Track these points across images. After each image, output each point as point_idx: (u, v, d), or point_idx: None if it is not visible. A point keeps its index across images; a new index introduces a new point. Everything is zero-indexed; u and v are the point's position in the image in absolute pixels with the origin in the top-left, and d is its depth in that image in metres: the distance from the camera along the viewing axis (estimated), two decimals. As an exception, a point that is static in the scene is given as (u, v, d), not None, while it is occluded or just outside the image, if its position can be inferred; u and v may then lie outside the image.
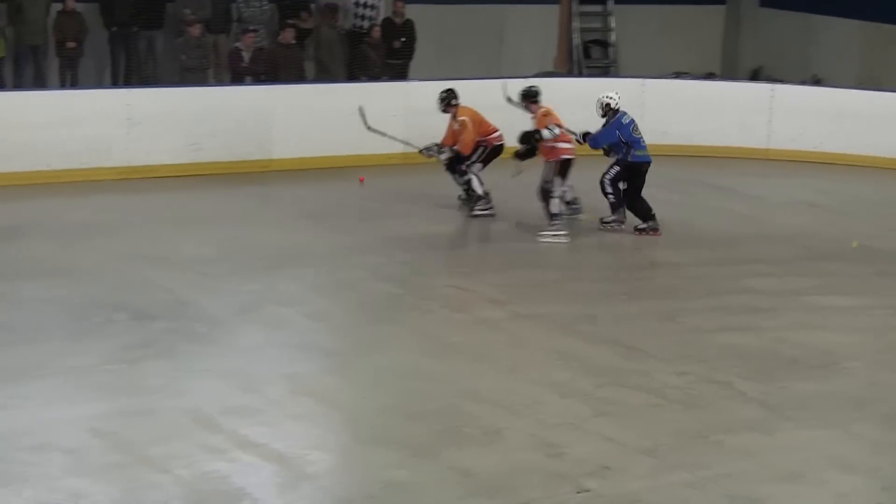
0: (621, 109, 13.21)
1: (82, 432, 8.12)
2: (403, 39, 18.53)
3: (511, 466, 7.69)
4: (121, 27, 17.56)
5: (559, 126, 13.16)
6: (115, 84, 17.40)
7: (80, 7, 16.63)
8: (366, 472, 7.71)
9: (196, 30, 17.09)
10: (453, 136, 13.97)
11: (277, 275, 11.89)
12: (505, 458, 7.82)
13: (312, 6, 17.96)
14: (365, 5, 18.26)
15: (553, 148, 13.20)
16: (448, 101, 13.77)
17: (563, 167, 13.26)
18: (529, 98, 13.46)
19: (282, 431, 8.31)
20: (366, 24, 18.81)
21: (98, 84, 17.32)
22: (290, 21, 18.07)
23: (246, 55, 17.10)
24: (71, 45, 17.05)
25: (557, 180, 13.15)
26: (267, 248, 12.72)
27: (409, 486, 7.37)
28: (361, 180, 15.22)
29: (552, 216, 13.23)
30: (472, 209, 13.61)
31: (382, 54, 18.43)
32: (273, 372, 9.41)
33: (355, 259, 12.52)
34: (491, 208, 13.53)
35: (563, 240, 13.17)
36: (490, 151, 14.01)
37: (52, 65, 17.48)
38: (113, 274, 11.69)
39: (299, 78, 17.47)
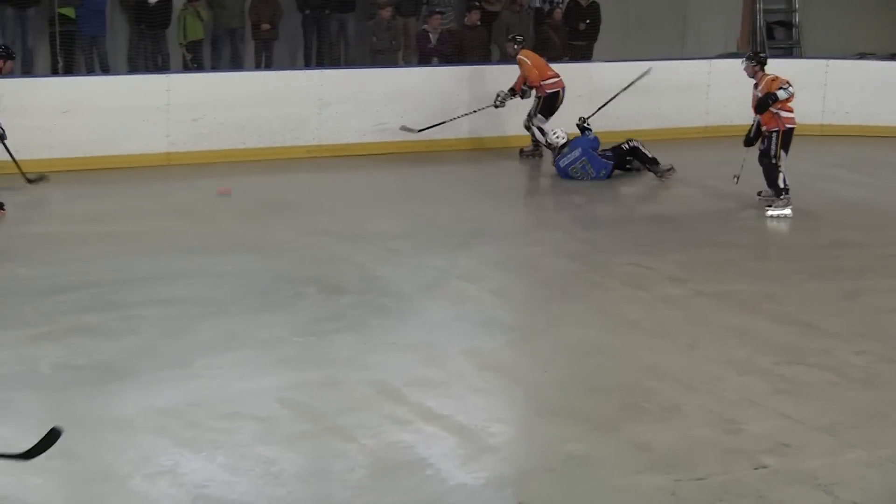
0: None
1: (272, 402, 8.38)
2: (588, 21, 18.61)
3: (689, 442, 7.67)
4: (314, 10, 18.07)
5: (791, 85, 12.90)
6: (307, 65, 17.82)
7: (274, -10, 17.42)
8: (546, 445, 7.76)
9: (387, 12, 17.59)
10: (521, 80, 15.01)
11: (461, 251, 12.06)
12: (683, 433, 7.80)
13: (498, -12, 18.43)
14: None
15: (777, 116, 12.75)
16: (513, 42, 14.96)
17: (786, 138, 12.79)
18: (760, 63, 13.04)
19: (464, 404, 8.41)
20: (546, 6, 19.12)
21: (292, 66, 17.81)
22: (476, 3, 18.39)
23: (433, 37, 17.47)
24: (266, 27, 17.61)
25: (782, 154, 12.75)
26: (451, 224, 12.96)
27: (589, 459, 7.40)
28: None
29: (780, 191, 12.86)
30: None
31: (564, 36, 18.57)
32: (456, 346, 9.54)
33: (536, 236, 12.71)
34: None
35: (789, 214, 12.86)
36: (545, 100, 14.55)
37: (248, 47, 18.05)
38: (303, 249, 12.03)
39: (484, 59, 17.78)
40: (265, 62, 17.42)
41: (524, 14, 18.79)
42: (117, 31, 17.52)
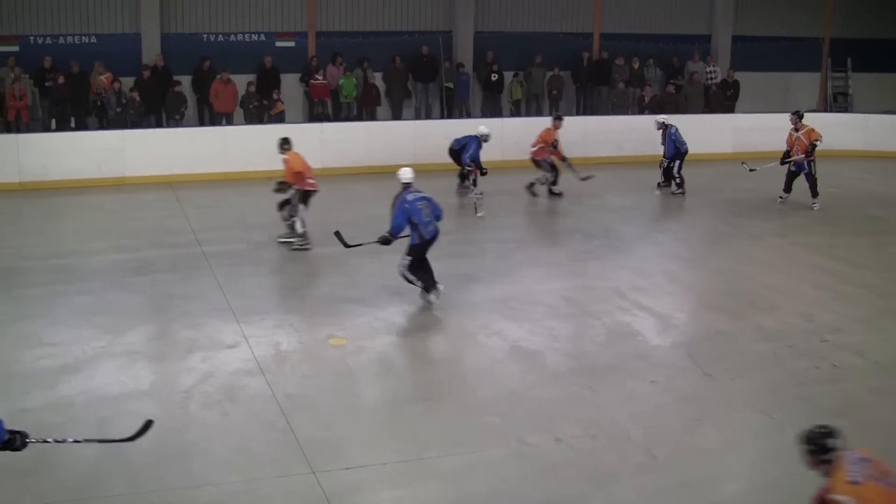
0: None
1: (556, 297, 11.29)
2: (731, 91, 23.60)
3: (785, 326, 10.50)
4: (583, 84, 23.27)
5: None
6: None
7: None
8: (704, 325, 10.60)
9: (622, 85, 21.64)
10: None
11: (660, 221, 15.61)
12: (781, 321, 10.67)
13: None
14: None
15: (812, 151, 16.22)
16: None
17: (814, 164, 16.26)
18: (800, 117, 16.44)
19: (660, 301, 11.29)
20: (708, 82, 23.61)
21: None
22: (671, 82, 23.02)
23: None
24: (555, 93, 22.62)
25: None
26: (658, 209, 16.38)
27: (728, 334, 10.22)
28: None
29: (817, 193, 16.25)
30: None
31: (721, 98, 23.29)
32: (657, 268, 12.63)
33: (699, 213, 16.13)
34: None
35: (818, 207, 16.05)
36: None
37: (544, 104, 22.57)
38: (576, 214, 15.55)
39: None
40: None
41: (698, 86, 22.72)
42: (475, 94, 22.23)
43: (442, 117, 21.35)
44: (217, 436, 7.92)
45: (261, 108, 19.85)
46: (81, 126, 19.33)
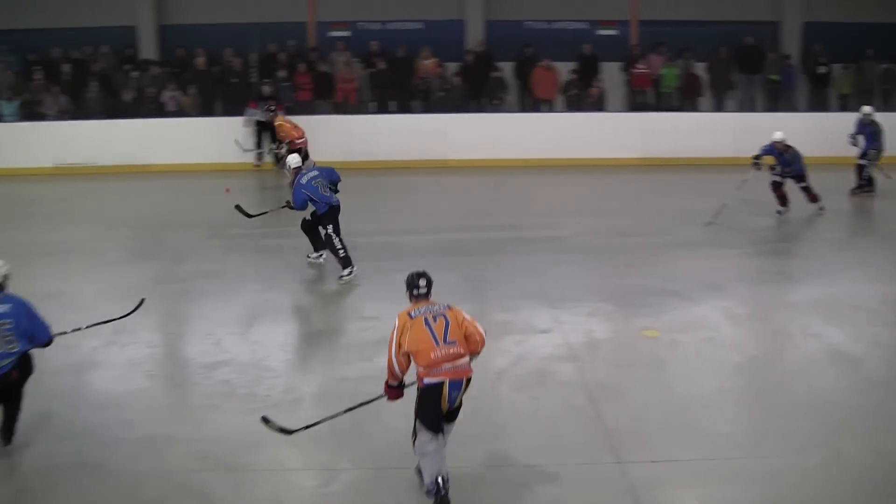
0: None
1: (881, 302, 11.13)
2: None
3: None
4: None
5: None
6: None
7: None
8: None
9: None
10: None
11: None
12: None
13: None
14: None
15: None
16: None
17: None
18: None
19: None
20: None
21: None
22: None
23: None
24: None
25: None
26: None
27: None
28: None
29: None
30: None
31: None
32: None
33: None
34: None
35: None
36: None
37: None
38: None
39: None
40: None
41: None
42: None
43: (766, 110, 20.70)
44: (526, 419, 8.16)
45: (580, 96, 20.03)
46: (405, 109, 20.12)
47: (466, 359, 6.94)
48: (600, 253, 12.97)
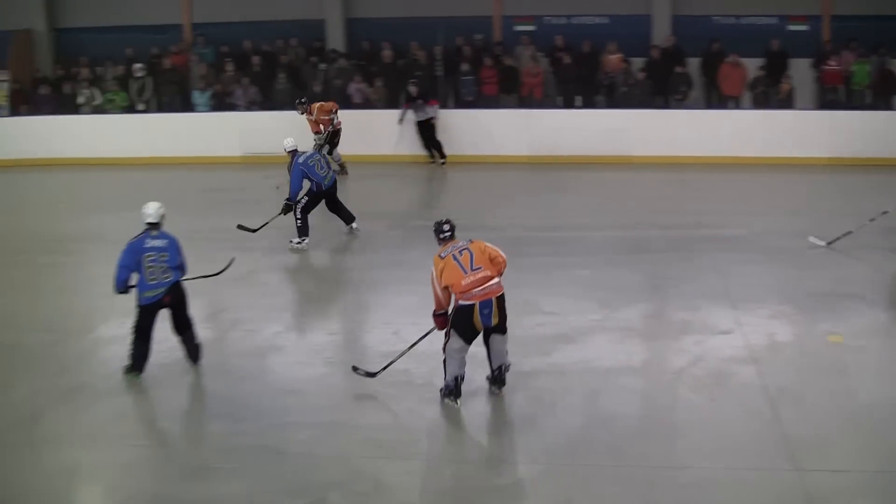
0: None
1: None
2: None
3: None
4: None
5: None
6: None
7: None
8: None
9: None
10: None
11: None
12: None
13: None
14: None
15: None
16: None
17: None
18: None
19: None
20: None
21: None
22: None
23: None
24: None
25: None
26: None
27: None
28: None
29: None
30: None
31: None
32: None
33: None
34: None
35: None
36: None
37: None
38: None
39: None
40: None
41: None
42: None
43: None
44: (703, 420, 8.09)
45: (767, 93, 19.58)
46: (589, 104, 20.02)
47: (495, 280, 8.28)
48: (783, 254, 12.63)
